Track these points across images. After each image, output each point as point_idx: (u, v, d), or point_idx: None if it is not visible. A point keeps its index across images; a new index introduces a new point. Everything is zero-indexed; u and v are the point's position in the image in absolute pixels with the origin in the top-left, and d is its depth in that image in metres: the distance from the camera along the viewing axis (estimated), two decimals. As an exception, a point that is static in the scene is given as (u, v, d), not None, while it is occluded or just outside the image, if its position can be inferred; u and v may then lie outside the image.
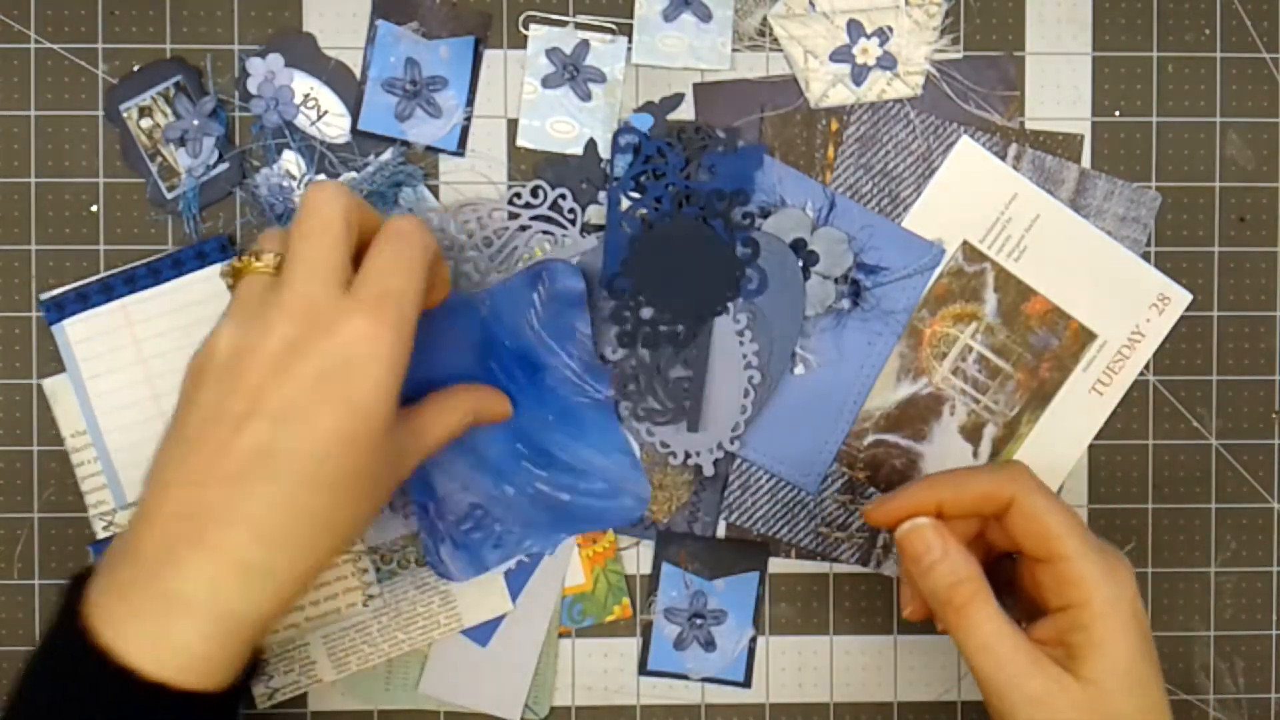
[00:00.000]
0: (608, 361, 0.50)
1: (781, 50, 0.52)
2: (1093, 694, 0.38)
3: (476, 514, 0.50)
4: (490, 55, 0.52)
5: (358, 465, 0.38)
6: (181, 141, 0.51)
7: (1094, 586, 0.39)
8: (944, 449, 0.53)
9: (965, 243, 0.53)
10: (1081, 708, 0.38)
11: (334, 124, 0.52)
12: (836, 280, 0.52)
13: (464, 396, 0.46)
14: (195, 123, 0.51)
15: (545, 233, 0.52)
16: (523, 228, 0.52)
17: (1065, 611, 0.40)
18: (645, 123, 0.52)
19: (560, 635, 0.53)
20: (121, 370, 0.51)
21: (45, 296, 0.51)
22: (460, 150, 0.52)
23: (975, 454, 0.53)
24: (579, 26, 0.52)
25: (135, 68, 0.52)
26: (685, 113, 0.52)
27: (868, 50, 0.52)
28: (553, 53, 0.52)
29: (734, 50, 0.52)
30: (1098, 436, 0.53)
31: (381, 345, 0.38)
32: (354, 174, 0.52)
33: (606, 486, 0.51)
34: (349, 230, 0.40)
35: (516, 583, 0.52)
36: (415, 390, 0.44)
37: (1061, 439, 0.53)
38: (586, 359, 0.49)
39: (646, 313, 0.51)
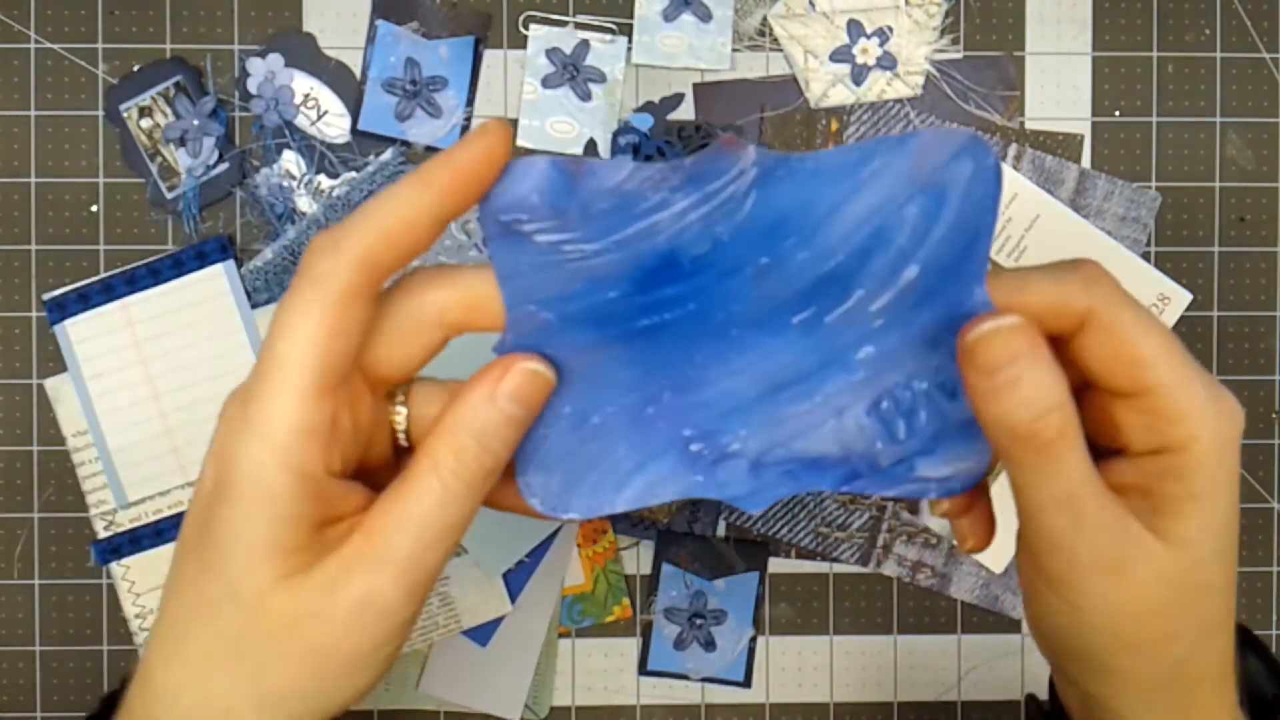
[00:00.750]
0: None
1: (781, 50, 0.52)
2: (1181, 561, 0.30)
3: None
4: (490, 55, 0.52)
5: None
6: (181, 141, 0.51)
7: (1202, 423, 0.30)
8: (944, 449, 0.53)
9: (965, 243, 0.53)
10: (1165, 577, 0.30)
11: (334, 124, 0.52)
12: (836, 280, 0.52)
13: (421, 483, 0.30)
14: (195, 123, 0.51)
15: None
16: (523, 228, 0.52)
17: (1157, 456, 0.30)
18: (645, 123, 0.52)
19: (560, 635, 0.53)
20: (122, 370, 0.51)
21: (47, 297, 0.51)
22: (460, 150, 0.52)
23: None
24: (579, 26, 0.52)
25: (135, 68, 0.52)
26: (685, 113, 0.52)
27: (868, 50, 0.52)
28: (553, 53, 0.52)
29: (734, 50, 0.52)
30: (1098, 436, 0.53)
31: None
32: (354, 174, 0.52)
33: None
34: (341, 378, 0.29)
35: (516, 583, 0.52)
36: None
37: (1061, 439, 0.53)
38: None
39: (646, 313, 0.51)
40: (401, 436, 0.32)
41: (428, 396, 0.32)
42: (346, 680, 0.29)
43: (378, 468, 0.32)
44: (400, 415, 0.32)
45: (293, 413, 0.28)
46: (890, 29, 0.52)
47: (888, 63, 0.52)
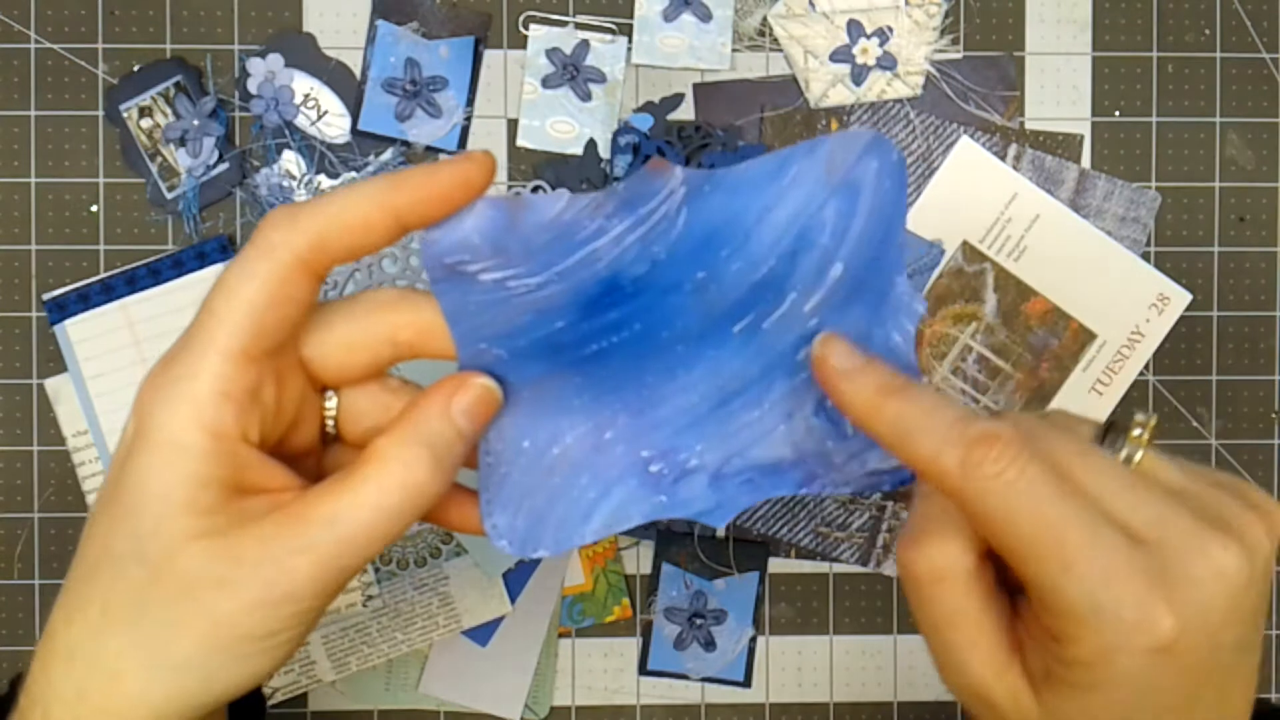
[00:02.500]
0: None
1: (781, 50, 0.52)
2: None
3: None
4: (490, 55, 0.52)
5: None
6: (181, 141, 0.51)
7: (1094, 629, 0.26)
8: (944, 449, 0.53)
9: (965, 243, 0.53)
10: None
11: (334, 124, 0.52)
12: (836, 280, 0.52)
13: (401, 437, 0.29)
14: (195, 123, 0.51)
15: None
16: (523, 228, 0.52)
17: (1047, 630, 0.28)
18: (645, 123, 0.52)
19: (560, 635, 0.53)
20: (122, 370, 0.51)
21: (47, 297, 0.51)
22: (460, 150, 0.52)
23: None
24: (579, 26, 0.52)
25: (135, 68, 0.52)
26: (685, 113, 0.52)
27: (868, 50, 0.52)
28: (553, 53, 0.52)
29: (734, 50, 0.52)
30: (1098, 436, 0.53)
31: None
32: (354, 174, 0.52)
33: None
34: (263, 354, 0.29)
35: (516, 583, 0.52)
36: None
37: (1061, 439, 0.53)
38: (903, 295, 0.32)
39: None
40: (330, 424, 0.32)
41: (360, 389, 0.32)
42: (240, 659, 0.29)
43: (301, 453, 0.32)
44: (331, 404, 0.32)
45: (214, 373, 0.28)
46: (890, 29, 0.52)
47: (888, 63, 0.52)
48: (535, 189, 0.52)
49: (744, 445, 0.32)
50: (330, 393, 0.32)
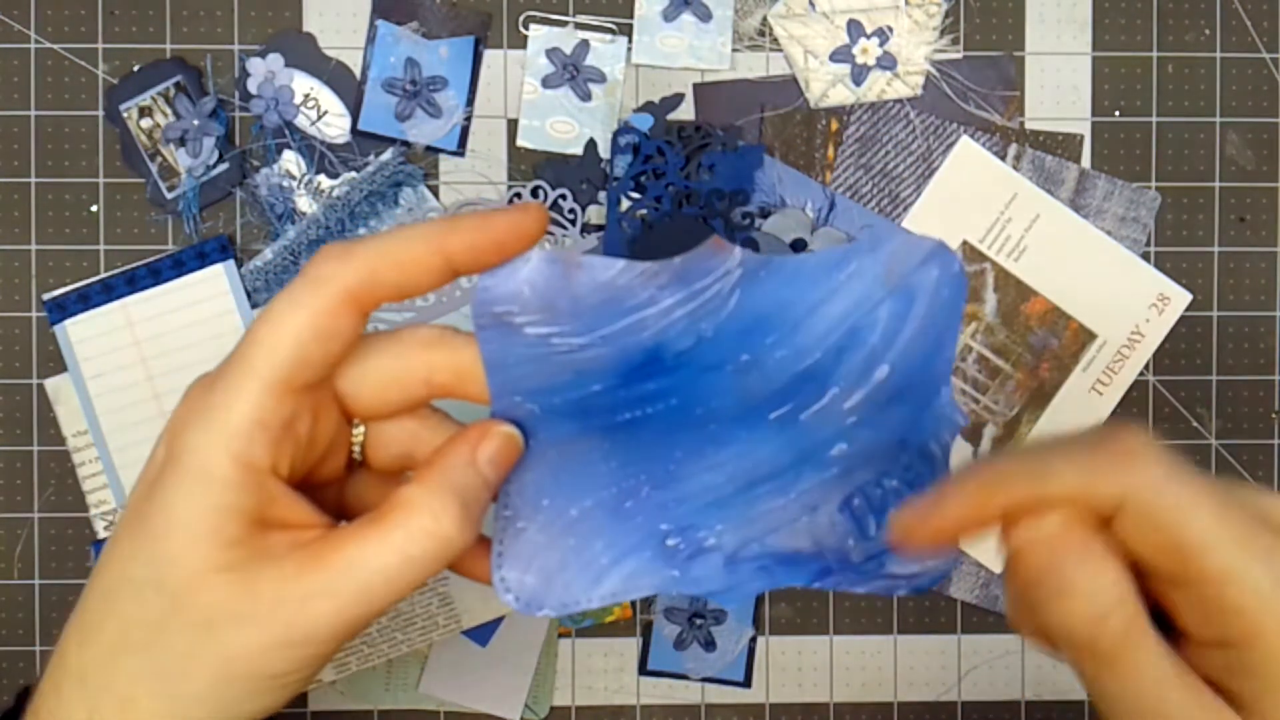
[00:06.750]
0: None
1: (781, 50, 0.52)
2: None
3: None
4: (490, 55, 0.52)
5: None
6: (181, 141, 0.51)
7: (1265, 614, 0.26)
8: (944, 449, 0.53)
9: (965, 243, 0.53)
10: None
11: (334, 124, 0.52)
12: (836, 280, 0.52)
13: (432, 485, 0.29)
14: (195, 123, 0.51)
15: (545, 233, 0.52)
16: (523, 228, 0.52)
17: (1222, 649, 0.27)
18: (645, 123, 0.52)
19: (560, 635, 0.53)
20: (122, 370, 0.51)
21: (47, 297, 0.51)
22: (460, 150, 0.52)
23: (975, 454, 0.53)
24: (579, 26, 0.52)
25: (135, 68, 0.52)
26: (685, 113, 0.52)
27: (868, 50, 0.52)
28: (553, 53, 0.52)
29: (734, 50, 0.52)
30: (1098, 436, 0.53)
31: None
32: (354, 174, 0.52)
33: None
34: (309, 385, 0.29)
35: (516, 583, 0.52)
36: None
37: (1061, 439, 0.53)
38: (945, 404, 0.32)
39: (646, 313, 0.51)
40: (356, 450, 0.32)
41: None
42: (253, 695, 0.29)
43: (326, 482, 0.32)
44: (358, 432, 0.32)
45: (251, 403, 0.28)
46: (890, 29, 0.52)
47: (888, 63, 0.52)
48: (535, 189, 0.52)
49: (764, 531, 0.32)
50: (358, 419, 0.32)
